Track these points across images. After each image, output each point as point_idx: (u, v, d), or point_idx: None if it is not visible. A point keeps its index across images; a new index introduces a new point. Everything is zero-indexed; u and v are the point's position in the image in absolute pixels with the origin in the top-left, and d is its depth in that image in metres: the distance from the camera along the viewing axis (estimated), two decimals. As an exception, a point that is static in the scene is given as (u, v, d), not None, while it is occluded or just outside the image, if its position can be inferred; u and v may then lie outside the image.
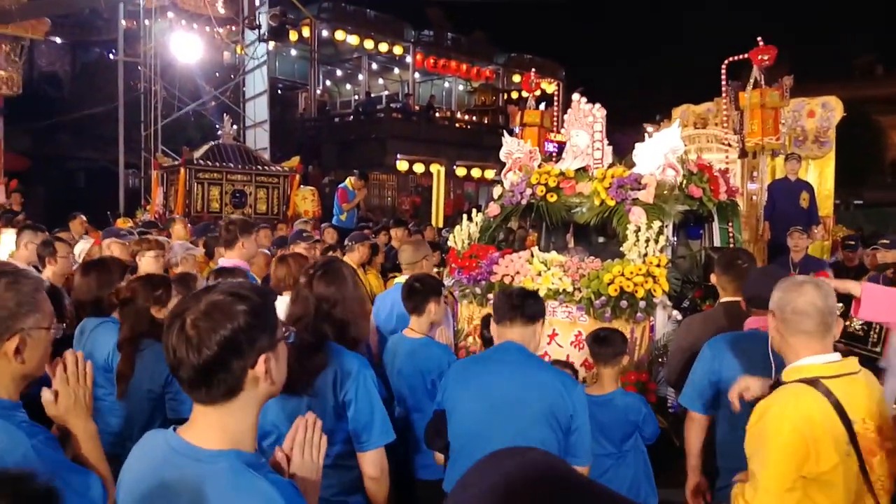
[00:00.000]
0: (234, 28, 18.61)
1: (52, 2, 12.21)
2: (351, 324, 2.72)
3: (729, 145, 7.82)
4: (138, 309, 3.34)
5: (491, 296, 5.10)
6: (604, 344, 3.70)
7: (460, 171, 24.90)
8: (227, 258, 4.86)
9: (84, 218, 9.25)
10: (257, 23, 17.21)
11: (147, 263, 5.25)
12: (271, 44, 18.78)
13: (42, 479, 1.19)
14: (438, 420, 2.95)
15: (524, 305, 2.89)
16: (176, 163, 12.95)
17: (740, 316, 3.41)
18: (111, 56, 19.59)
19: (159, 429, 1.66)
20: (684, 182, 5.31)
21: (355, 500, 2.65)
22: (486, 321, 4.11)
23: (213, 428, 1.55)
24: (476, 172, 25.12)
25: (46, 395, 1.98)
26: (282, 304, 2.89)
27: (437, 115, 27.00)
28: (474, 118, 28.48)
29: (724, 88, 7.99)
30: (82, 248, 6.74)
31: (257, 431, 1.63)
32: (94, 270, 3.73)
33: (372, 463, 2.57)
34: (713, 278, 3.98)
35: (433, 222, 13.13)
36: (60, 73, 23.12)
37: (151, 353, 3.26)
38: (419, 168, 23.77)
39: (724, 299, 3.80)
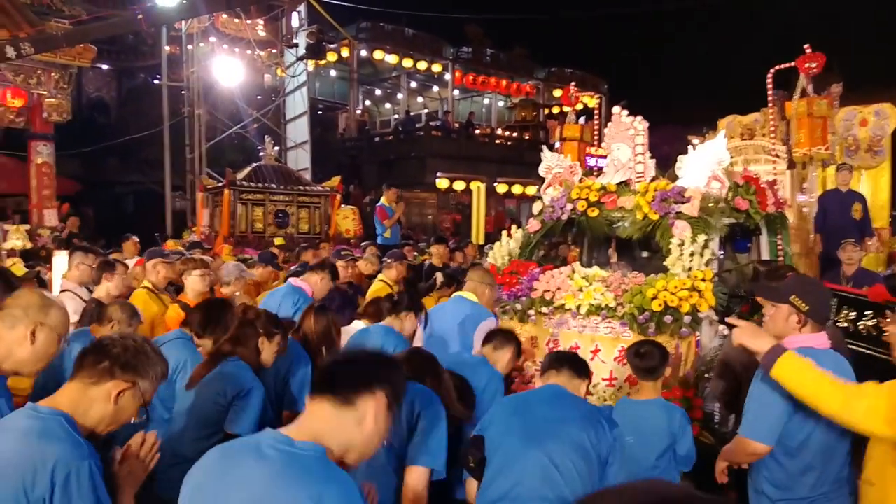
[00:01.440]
0: (274, 51, 18.93)
1: (96, 27, 12.48)
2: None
3: (777, 156, 7.61)
4: (251, 334, 3.62)
5: (532, 312, 5.13)
6: (645, 358, 3.65)
7: (501, 188, 24.83)
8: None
9: (137, 240, 9.49)
10: (295, 41, 17.46)
11: (193, 282, 5.36)
12: (311, 65, 19.04)
13: None
14: (476, 445, 2.98)
15: (575, 361, 3.20)
16: (220, 184, 13.16)
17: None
18: (155, 81, 20.08)
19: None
20: (730, 194, 5.18)
21: None
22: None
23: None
24: (517, 189, 25.01)
25: (117, 453, 2.15)
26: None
27: (476, 131, 27.02)
28: (515, 134, 28.41)
29: (770, 98, 7.78)
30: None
31: None
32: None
33: (417, 477, 2.80)
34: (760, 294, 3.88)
35: (473, 239, 13.08)
36: (107, 99, 23.82)
37: (235, 366, 3.47)
38: (459, 185, 23.75)
39: None
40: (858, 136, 10.31)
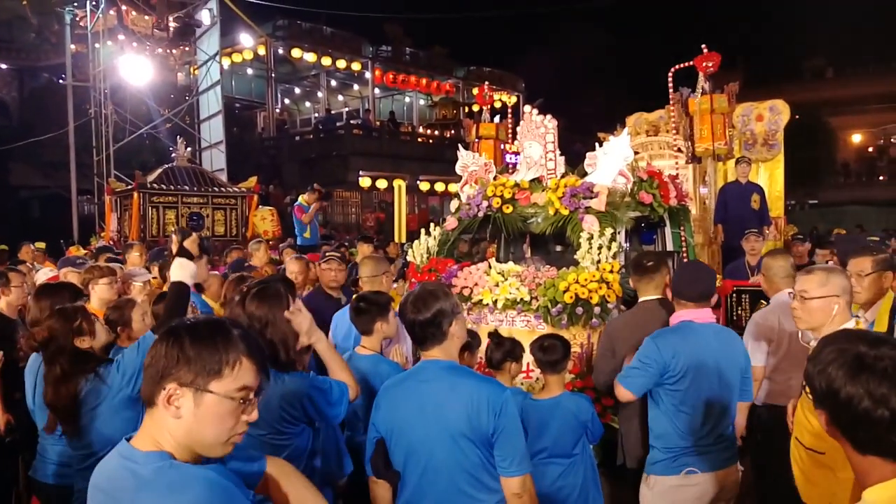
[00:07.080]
0: (187, 48, 18.43)
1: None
2: (283, 346, 2.70)
3: (679, 151, 7.92)
4: (61, 347, 3.12)
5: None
6: (547, 352, 3.73)
7: (424, 186, 24.90)
8: (178, 282, 4.72)
9: (32, 246, 9.12)
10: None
11: (101, 291, 5.13)
12: (226, 63, 18.61)
13: None
14: (380, 452, 2.72)
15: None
16: (129, 187, 12.78)
17: (655, 311, 3.85)
18: (60, 81, 19.25)
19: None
20: (635, 189, 5.36)
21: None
22: (496, 340, 4.04)
23: (143, 431, 1.63)
24: (440, 186, 25.11)
25: None
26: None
27: (399, 129, 26.99)
28: (436, 132, 28.53)
29: (671, 96, 8.08)
30: (41, 277, 6.63)
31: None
32: (46, 296, 3.69)
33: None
34: (632, 283, 4.28)
35: (395, 237, 13.08)
36: (7, 100, 22.76)
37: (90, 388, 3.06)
38: (382, 184, 23.69)
39: (641, 299, 4.12)
40: (755, 131, 10.86)
